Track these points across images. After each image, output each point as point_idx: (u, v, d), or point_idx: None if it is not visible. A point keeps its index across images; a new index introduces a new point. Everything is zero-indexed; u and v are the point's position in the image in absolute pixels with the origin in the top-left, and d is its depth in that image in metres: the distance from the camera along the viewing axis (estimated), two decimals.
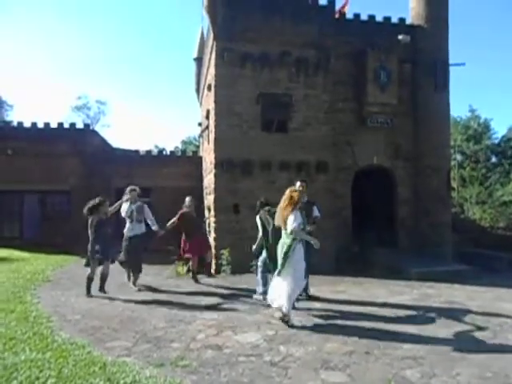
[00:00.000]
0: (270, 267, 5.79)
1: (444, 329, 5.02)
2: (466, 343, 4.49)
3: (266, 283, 6.17)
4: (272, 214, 5.70)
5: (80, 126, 16.65)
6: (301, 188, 6.20)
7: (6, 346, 4.17)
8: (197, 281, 7.96)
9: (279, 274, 5.12)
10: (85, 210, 6.79)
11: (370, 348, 4.26)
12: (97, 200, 6.84)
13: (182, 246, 8.18)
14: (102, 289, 6.86)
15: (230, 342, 4.45)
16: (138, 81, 69.56)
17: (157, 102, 71.30)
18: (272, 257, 5.63)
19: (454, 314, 5.78)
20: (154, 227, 7.39)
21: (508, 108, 52.87)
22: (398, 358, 3.99)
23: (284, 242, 5.16)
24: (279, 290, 5.06)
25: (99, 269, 6.86)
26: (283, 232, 5.21)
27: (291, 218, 5.02)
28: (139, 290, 7.11)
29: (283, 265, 5.06)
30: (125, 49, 67.91)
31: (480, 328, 5.09)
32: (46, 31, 61.78)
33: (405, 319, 5.46)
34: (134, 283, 7.33)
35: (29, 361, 3.78)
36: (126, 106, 65.66)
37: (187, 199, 8.30)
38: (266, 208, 6.12)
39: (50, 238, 13.76)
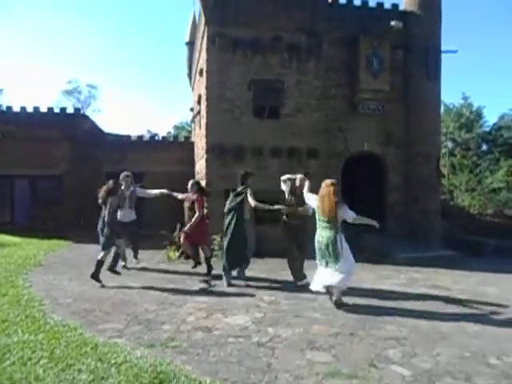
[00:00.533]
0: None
1: (427, 311, 5.19)
2: (448, 324, 4.65)
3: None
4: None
5: (70, 110, 16.44)
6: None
7: None
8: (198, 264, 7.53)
9: (327, 265, 5.20)
10: (102, 194, 6.67)
11: (355, 329, 4.40)
12: (111, 183, 6.78)
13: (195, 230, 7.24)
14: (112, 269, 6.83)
15: (220, 324, 4.56)
16: (129, 65, 68.60)
17: (149, 86, 70.46)
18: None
19: (438, 297, 5.96)
20: (163, 191, 7.51)
21: (500, 95, 53.13)
22: (381, 339, 4.13)
23: (326, 234, 5.20)
24: (332, 278, 5.15)
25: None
26: (323, 224, 5.26)
27: (346, 209, 5.23)
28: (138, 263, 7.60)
29: (334, 256, 5.12)
30: (115, 33, 66.71)
31: (462, 310, 5.26)
32: (36, 16, 60.36)
33: (390, 302, 5.61)
34: (136, 257, 7.86)
35: (21, 342, 3.85)
36: (118, 91, 64.96)
37: (191, 182, 7.60)
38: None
39: (40, 223, 13.73)
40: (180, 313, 4.95)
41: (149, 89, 70.53)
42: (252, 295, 5.82)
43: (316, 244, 5.38)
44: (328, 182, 5.39)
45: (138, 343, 3.94)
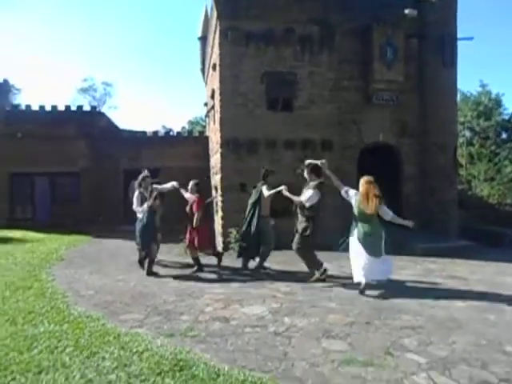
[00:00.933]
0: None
1: (443, 300, 5.19)
2: (464, 313, 4.65)
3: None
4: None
5: (86, 107, 16.78)
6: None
7: (26, 319, 4.43)
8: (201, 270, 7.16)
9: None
10: (155, 203, 7.01)
11: (370, 319, 4.44)
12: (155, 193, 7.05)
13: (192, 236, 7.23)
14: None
15: (237, 314, 4.66)
16: (143, 62, 69.05)
17: (163, 82, 70.88)
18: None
19: (454, 286, 5.94)
20: (174, 184, 7.50)
21: None
22: (396, 328, 4.16)
23: (377, 229, 5.45)
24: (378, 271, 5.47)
25: None
26: (364, 219, 5.47)
27: (385, 207, 5.49)
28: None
29: (378, 250, 5.42)
30: (129, 30, 67.15)
31: (479, 299, 5.24)
32: (51, 15, 61.20)
33: (406, 292, 5.62)
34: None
35: (47, 332, 4.02)
36: (132, 87, 65.51)
37: (191, 183, 7.55)
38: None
39: (60, 219, 14.12)
40: (198, 304, 5.07)
41: (163, 85, 70.95)
42: (268, 286, 5.90)
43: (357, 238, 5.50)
44: (366, 179, 5.54)
45: (158, 333, 4.07)
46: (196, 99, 69.89)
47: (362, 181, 5.55)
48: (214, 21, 10.84)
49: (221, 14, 9.76)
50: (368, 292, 5.45)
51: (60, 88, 58.99)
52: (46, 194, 15.25)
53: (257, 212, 6.91)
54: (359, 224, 5.51)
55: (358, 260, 5.50)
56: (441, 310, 4.77)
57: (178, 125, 60.25)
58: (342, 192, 5.77)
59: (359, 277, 5.50)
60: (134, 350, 3.56)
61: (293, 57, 9.97)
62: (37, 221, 14.73)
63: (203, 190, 7.86)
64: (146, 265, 6.90)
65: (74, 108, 15.87)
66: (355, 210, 5.56)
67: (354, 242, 5.56)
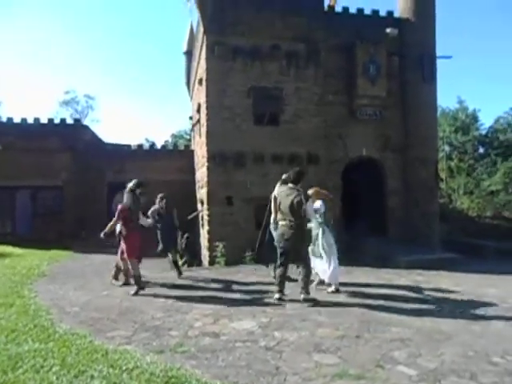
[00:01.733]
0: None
1: (430, 312, 5.26)
2: (451, 325, 4.72)
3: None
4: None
5: (69, 120, 16.58)
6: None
7: (9, 338, 4.28)
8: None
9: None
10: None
11: (360, 332, 4.46)
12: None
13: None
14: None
15: (227, 329, 4.62)
16: (125, 76, 68.84)
17: (145, 96, 70.72)
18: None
19: (441, 298, 6.03)
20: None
21: (495, 97, 53.63)
22: (386, 341, 4.19)
23: None
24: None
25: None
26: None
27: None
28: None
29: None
30: (112, 44, 67.10)
31: (464, 311, 5.34)
32: (32, 25, 60.73)
33: (394, 305, 5.67)
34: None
35: (32, 351, 3.90)
36: (115, 101, 65.13)
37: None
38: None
39: (42, 234, 13.81)
40: (186, 319, 5.01)
41: (145, 98, 70.81)
42: (257, 301, 5.88)
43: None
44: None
45: (147, 349, 4.00)
46: (179, 113, 70.09)
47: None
48: (200, 35, 10.96)
49: (208, 29, 9.88)
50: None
51: (41, 101, 58.16)
52: (27, 208, 14.92)
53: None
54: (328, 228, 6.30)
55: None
56: (428, 322, 4.83)
57: (160, 138, 60.27)
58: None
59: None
60: (124, 368, 3.48)
61: (279, 72, 10.14)
62: (17, 235, 14.35)
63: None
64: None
65: (57, 121, 15.67)
66: (325, 216, 6.34)
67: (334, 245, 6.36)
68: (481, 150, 30.71)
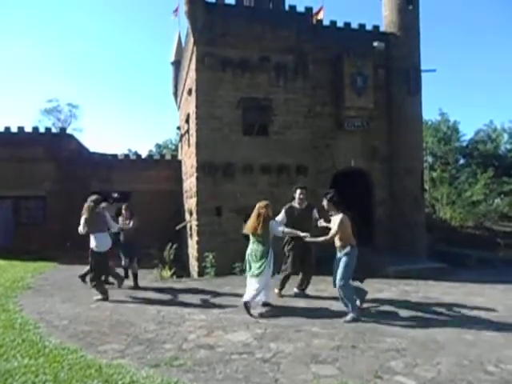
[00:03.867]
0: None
1: (423, 322, 5.31)
2: (444, 334, 4.77)
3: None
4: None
5: (53, 129, 16.33)
6: (301, 196, 6.77)
7: None
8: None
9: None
10: None
11: (355, 342, 4.47)
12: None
13: None
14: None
15: (222, 341, 4.57)
16: (108, 85, 68.35)
17: (127, 106, 70.15)
18: None
19: (431, 308, 6.10)
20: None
21: (474, 107, 55.41)
22: (382, 351, 4.21)
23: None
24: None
25: None
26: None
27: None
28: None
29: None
30: (96, 53, 66.73)
31: (456, 320, 5.40)
32: (14, 34, 59.90)
33: (386, 314, 5.71)
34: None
35: (22, 367, 3.79)
36: (97, 110, 64.47)
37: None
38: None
39: (24, 245, 13.45)
40: (180, 331, 4.94)
41: (127, 108, 70.33)
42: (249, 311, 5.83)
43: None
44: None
45: (141, 363, 3.92)
46: (163, 123, 69.61)
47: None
48: (190, 46, 10.98)
49: (198, 40, 9.92)
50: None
51: (21, 109, 57.07)
52: (9, 219, 14.54)
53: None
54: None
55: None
56: (421, 332, 4.87)
57: (144, 148, 59.74)
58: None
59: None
60: (120, 383, 3.41)
61: (268, 83, 10.22)
62: None
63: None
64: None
65: (42, 130, 15.41)
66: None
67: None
68: (462, 161, 31.45)
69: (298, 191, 6.81)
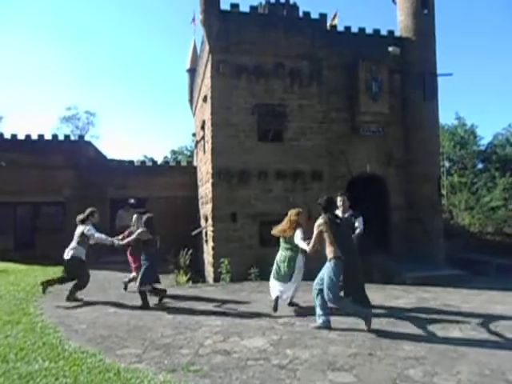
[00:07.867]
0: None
1: (442, 330, 5.22)
2: (463, 343, 4.68)
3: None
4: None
5: (71, 137, 16.68)
6: (340, 202, 6.63)
7: (18, 356, 4.24)
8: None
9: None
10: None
11: (372, 349, 4.42)
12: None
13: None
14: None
15: (238, 347, 4.58)
16: (124, 92, 69.52)
17: (144, 112, 71.22)
18: None
19: (451, 315, 5.99)
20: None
21: (493, 112, 54.46)
22: (400, 358, 4.15)
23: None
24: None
25: None
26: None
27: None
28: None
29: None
30: (113, 61, 68.05)
31: (476, 328, 5.30)
32: (33, 42, 61.61)
33: (404, 321, 5.63)
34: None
35: (43, 370, 3.86)
36: (114, 117, 65.58)
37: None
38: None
39: (43, 250, 13.71)
40: (196, 337, 4.97)
41: (143, 115, 71.34)
42: (265, 317, 5.84)
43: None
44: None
45: (159, 368, 3.95)
46: (178, 129, 70.35)
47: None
48: (205, 54, 11.13)
49: (213, 48, 10.05)
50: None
51: (42, 116, 58.52)
52: (29, 224, 14.88)
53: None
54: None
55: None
56: (440, 340, 4.78)
57: (160, 154, 60.43)
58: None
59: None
60: None
61: (283, 89, 10.28)
62: (18, 252, 14.25)
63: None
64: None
65: (61, 137, 15.77)
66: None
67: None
68: (480, 166, 30.89)
69: (338, 198, 6.61)
